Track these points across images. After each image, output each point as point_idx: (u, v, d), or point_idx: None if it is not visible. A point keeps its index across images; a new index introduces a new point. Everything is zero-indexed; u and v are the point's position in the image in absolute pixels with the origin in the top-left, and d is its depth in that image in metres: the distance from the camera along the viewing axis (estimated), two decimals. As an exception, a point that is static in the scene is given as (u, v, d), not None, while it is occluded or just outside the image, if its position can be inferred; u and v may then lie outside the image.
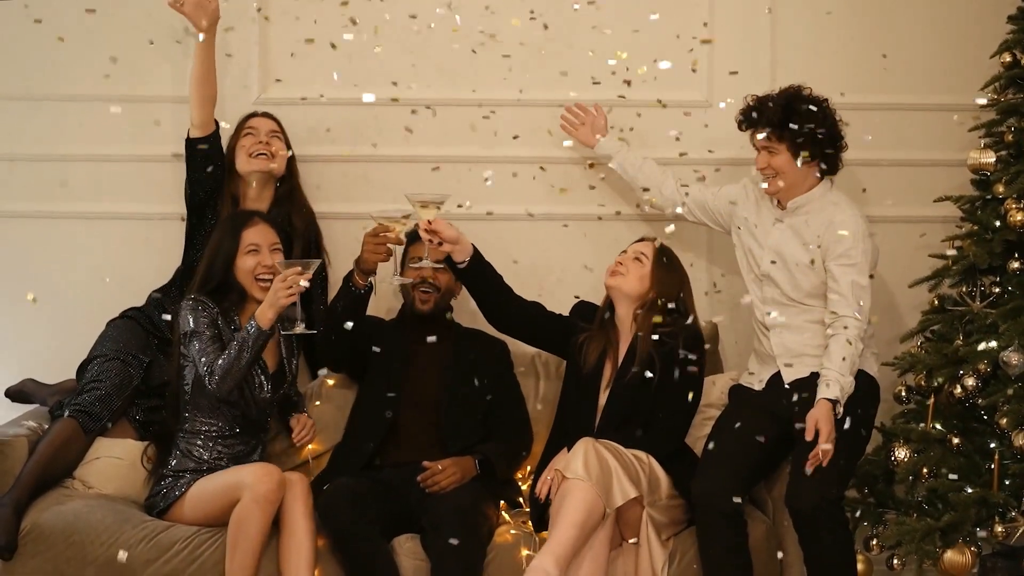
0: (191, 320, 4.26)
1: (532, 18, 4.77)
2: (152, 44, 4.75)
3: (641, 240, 4.55)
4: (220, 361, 4.18)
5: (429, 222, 4.24)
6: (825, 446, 4.10)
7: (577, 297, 4.64)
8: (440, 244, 4.27)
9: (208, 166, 4.60)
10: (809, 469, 4.10)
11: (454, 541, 4.06)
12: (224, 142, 4.69)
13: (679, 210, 4.66)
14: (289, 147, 4.70)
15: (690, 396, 4.38)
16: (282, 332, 4.26)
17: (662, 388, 4.33)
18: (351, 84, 4.79)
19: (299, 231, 4.64)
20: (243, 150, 4.64)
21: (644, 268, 4.43)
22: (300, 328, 4.20)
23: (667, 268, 4.45)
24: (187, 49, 4.75)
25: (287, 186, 4.70)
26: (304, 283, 4.12)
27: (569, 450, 4.24)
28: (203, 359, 4.22)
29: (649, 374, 4.30)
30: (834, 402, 4.17)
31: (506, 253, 4.79)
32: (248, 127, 4.68)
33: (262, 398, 4.32)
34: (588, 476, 4.09)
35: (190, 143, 4.62)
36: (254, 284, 4.31)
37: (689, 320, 4.39)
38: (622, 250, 4.52)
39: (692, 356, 4.34)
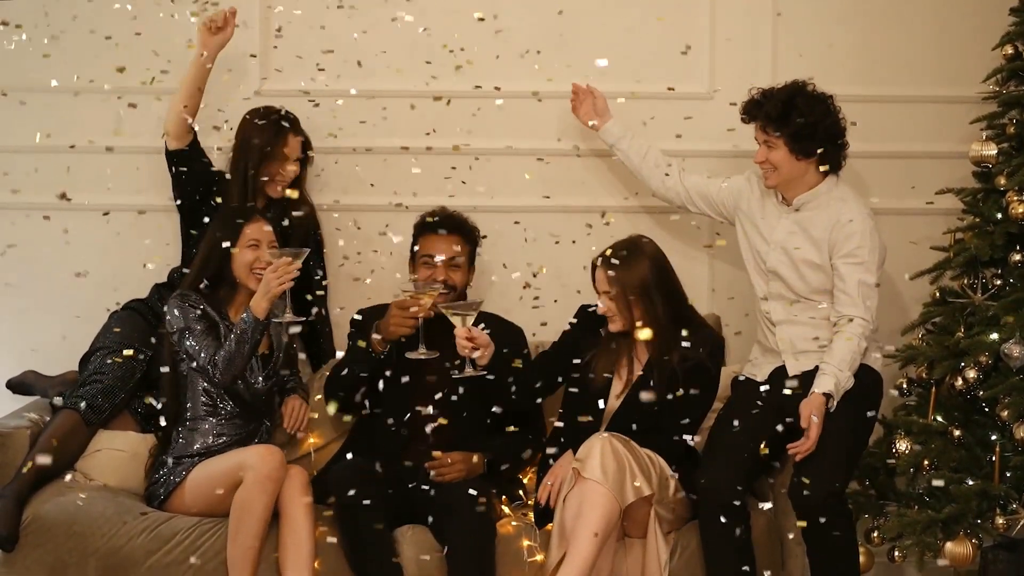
0: (180, 316, 4.30)
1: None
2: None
3: (595, 266, 4.39)
4: (221, 353, 4.23)
5: (468, 330, 4.19)
6: (807, 443, 4.12)
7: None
8: (475, 350, 4.21)
9: (188, 167, 4.54)
10: (794, 452, 4.13)
11: (479, 508, 4.11)
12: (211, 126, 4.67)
13: (683, 201, 4.67)
14: (309, 156, 4.68)
15: (705, 404, 4.39)
16: (272, 320, 4.30)
17: (679, 401, 4.29)
18: (353, 76, 4.77)
19: (296, 223, 4.61)
20: (272, 175, 4.56)
21: (617, 301, 4.31)
22: (289, 316, 4.25)
23: (628, 279, 4.29)
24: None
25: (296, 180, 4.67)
26: (295, 272, 4.18)
27: (575, 452, 4.22)
28: (203, 353, 4.26)
29: (669, 396, 4.27)
30: (827, 396, 4.17)
31: (512, 250, 4.81)
32: (284, 154, 4.56)
33: (256, 387, 4.36)
34: (605, 477, 4.07)
35: (170, 154, 4.58)
36: (250, 276, 4.34)
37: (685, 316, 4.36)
38: (595, 288, 4.39)
39: (713, 368, 4.35)
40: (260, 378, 4.36)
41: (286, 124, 4.59)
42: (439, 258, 4.41)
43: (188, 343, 4.28)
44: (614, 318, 4.34)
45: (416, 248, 4.52)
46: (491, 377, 4.25)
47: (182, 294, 4.34)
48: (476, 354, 4.21)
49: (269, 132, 4.58)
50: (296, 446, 4.56)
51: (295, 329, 4.37)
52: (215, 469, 4.22)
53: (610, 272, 4.32)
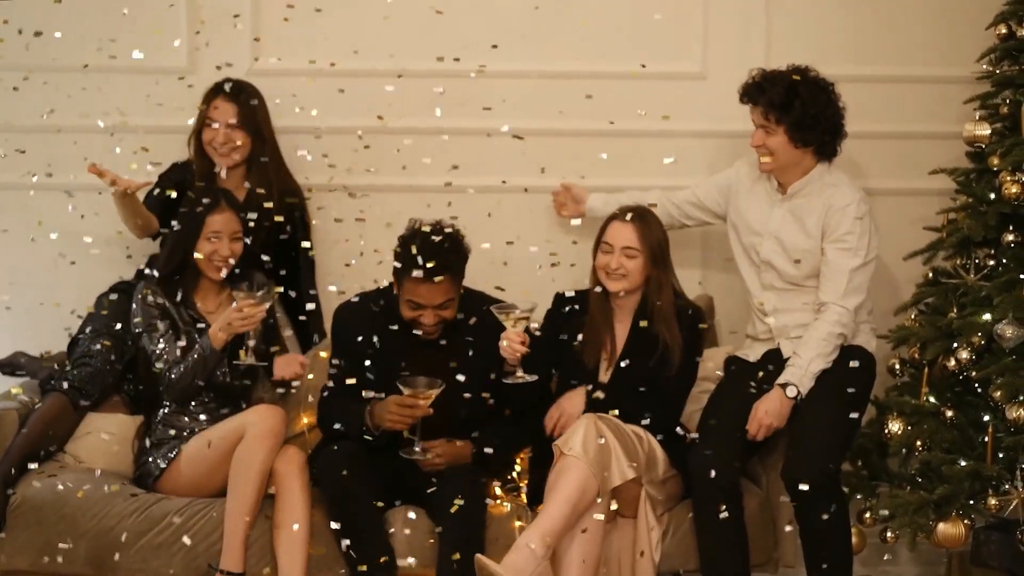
0: (141, 314, 4.34)
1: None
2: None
3: (614, 220, 4.36)
4: (177, 370, 4.28)
5: (520, 334, 4.15)
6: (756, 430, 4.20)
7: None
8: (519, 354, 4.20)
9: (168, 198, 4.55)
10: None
11: (459, 503, 4.09)
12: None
13: (680, 222, 4.64)
14: (258, 127, 4.57)
15: (689, 373, 4.39)
16: (234, 362, 4.32)
17: (665, 373, 4.31)
18: (344, 54, 4.74)
19: (273, 212, 4.52)
20: (207, 142, 4.55)
21: (638, 259, 4.31)
22: (251, 359, 4.28)
23: (651, 240, 4.31)
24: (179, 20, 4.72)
25: (261, 166, 4.58)
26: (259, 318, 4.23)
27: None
28: (164, 356, 4.31)
29: (651, 364, 4.29)
30: (785, 386, 4.20)
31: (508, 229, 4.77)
32: (209, 117, 4.53)
33: (220, 382, 4.36)
34: (585, 455, 4.08)
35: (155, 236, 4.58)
36: (209, 266, 4.36)
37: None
38: (603, 242, 4.34)
39: (697, 337, 4.36)
40: (226, 375, 4.37)
41: (213, 88, 4.55)
42: (520, 372, 4.27)
43: (147, 343, 4.33)
44: (624, 277, 4.31)
45: (401, 279, 4.25)
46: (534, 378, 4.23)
47: (147, 286, 4.37)
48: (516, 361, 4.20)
49: (204, 98, 4.58)
50: (290, 426, 4.52)
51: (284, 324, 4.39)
52: (215, 433, 4.23)
53: (640, 227, 4.31)
